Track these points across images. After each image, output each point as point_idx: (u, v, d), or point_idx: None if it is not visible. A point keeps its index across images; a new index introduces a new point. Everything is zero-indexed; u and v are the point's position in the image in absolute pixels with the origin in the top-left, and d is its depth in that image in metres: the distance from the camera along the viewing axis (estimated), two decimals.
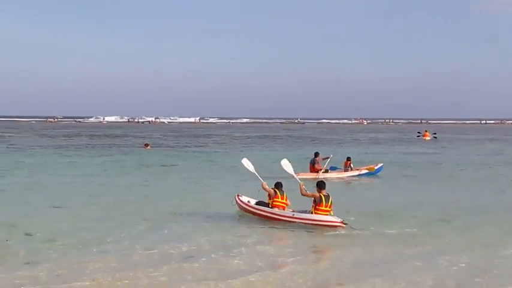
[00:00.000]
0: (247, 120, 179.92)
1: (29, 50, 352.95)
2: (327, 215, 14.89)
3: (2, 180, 24.69)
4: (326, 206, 14.91)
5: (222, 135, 79.95)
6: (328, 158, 27.96)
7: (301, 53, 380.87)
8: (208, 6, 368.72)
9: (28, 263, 11.21)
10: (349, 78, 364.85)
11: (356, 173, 27.82)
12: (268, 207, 15.96)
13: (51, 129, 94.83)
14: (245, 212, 16.52)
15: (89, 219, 15.79)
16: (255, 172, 17.58)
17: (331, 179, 26.14)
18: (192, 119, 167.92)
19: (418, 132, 74.19)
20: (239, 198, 16.77)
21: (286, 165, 18.10)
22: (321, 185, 15.28)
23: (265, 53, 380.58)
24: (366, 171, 28.06)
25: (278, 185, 16.19)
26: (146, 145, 48.76)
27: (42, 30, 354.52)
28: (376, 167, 28.49)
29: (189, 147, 51.56)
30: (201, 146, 53.60)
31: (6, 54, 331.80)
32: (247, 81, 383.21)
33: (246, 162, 18.03)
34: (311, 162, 27.53)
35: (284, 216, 15.46)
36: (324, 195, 15.00)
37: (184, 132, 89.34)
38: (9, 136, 64.94)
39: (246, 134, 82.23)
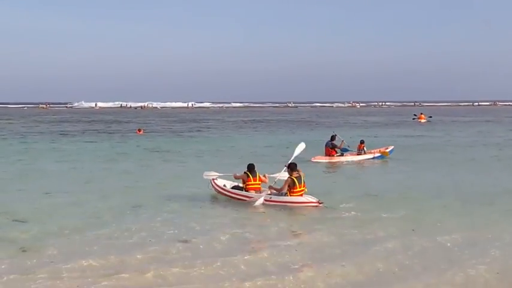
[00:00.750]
0: (240, 104, 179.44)
1: (19, 34, 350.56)
2: (301, 195, 15.11)
3: None
4: (300, 187, 15.11)
5: (215, 119, 79.72)
6: (342, 140, 28.04)
7: (291, 36, 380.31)
8: None
9: (25, 251, 11.14)
10: (340, 61, 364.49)
11: (370, 156, 27.86)
12: (244, 190, 16.09)
13: (43, 115, 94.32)
14: (222, 195, 16.61)
15: (83, 205, 15.69)
16: (220, 174, 17.27)
17: (346, 162, 26.65)
18: (184, 104, 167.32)
19: (414, 115, 74.32)
20: (215, 182, 16.83)
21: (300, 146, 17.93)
22: (292, 166, 15.42)
23: (255, 37, 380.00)
24: (379, 154, 28.11)
25: (250, 167, 16.24)
26: (139, 130, 48.63)
27: (32, 14, 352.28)
28: (388, 150, 28.58)
29: (181, 132, 51.33)
30: (193, 130, 53.43)
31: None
32: (239, 65, 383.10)
33: (207, 175, 17.38)
34: (327, 145, 27.55)
35: (252, 197, 15.69)
36: (295, 177, 15.15)
37: (177, 117, 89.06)
38: (4, 123, 64.39)
39: (240, 119, 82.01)
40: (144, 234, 12.41)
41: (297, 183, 15.13)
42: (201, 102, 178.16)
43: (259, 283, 9.33)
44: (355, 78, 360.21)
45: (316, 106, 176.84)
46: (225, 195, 16.52)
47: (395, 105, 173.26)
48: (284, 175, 16.13)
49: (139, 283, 9.37)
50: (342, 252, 11.06)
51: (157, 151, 32.03)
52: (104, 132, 49.46)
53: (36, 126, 59.65)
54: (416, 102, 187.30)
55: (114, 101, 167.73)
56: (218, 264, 10.23)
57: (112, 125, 63.49)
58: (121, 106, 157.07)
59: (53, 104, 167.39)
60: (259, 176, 16.21)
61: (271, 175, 16.73)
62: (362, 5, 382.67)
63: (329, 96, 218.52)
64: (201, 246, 11.49)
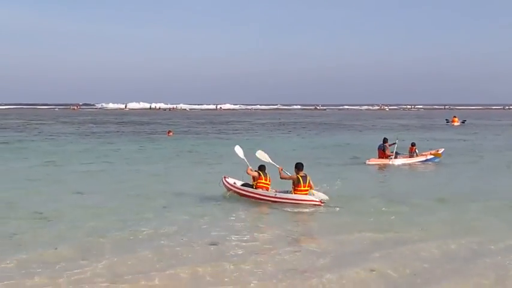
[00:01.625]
0: (267, 107, 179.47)
1: (50, 37, 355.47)
2: (306, 194, 15.90)
3: (26, 165, 24.81)
4: (304, 186, 15.91)
5: (245, 121, 79.83)
6: (394, 143, 27.89)
7: (318, 39, 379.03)
8: None
9: (56, 248, 11.25)
10: (366, 64, 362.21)
11: (423, 158, 27.95)
12: (253, 188, 16.84)
13: (75, 116, 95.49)
14: (232, 192, 17.30)
15: (114, 207, 15.86)
16: (244, 158, 18.04)
17: (400, 164, 26.87)
18: (213, 106, 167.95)
19: (446, 120, 74.30)
20: (226, 180, 17.68)
21: (259, 153, 18.32)
22: (299, 166, 16.22)
23: (283, 39, 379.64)
24: (432, 156, 28.14)
25: (261, 168, 17.09)
26: (169, 132, 48.89)
27: (62, 17, 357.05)
28: (440, 151, 28.65)
29: (211, 134, 51.51)
30: (222, 132, 53.56)
31: (26, 42, 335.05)
32: (266, 67, 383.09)
33: (237, 149, 18.60)
34: (380, 148, 27.74)
35: (268, 196, 16.40)
36: (301, 176, 15.98)
37: (206, 119, 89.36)
38: (37, 124, 65.30)
39: (269, 121, 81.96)
40: (174, 235, 12.54)
41: (302, 182, 15.92)
42: (229, 104, 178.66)
43: (286, 284, 9.34)
44: (383, 80, 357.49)
45: (345, 109, 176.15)
46: (235, 192, 17.23)
47: (424, 108, 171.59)
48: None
49: (174, 284, 9.42)
50: (374, 255, 10.98)
51: (188, 153, 32.19)
52: (134, 134, 49.87)
53: (68, 127, 60.37)
54: (446, 105, 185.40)
55: (143, 102, 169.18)
56: (248, 265, 10.29)
57: (141, 126, 63.99)
58: (150, 108, 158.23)
59: (83, 105, 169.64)
60: (269, 177, 16.94)
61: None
62: (388, 5, 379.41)
63: (357, 99, 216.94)
64: (229, 248, 11.54)
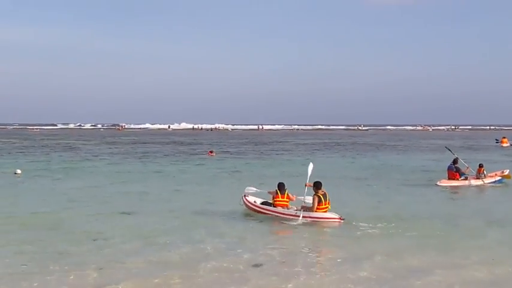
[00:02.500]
0: (309, 127, 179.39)
1: (95, 57, 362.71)
2: (325, 211, 16.51)
3: (72, 186, 25.41)
4: (325, 204, 16.57)
5: (287, 141, 79.91)
6: (467, 167, 27.93)
7: (359, 57, 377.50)
8: (265, 11, 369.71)
9: (101, 268, 11.45)
10: (408, 80, 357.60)
11: (492, 179, 27.66)
12: (272, 206, 17.48)
13: (119, 136, 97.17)
14: (252, 211, 17.89)
15: (157, 225, 16.12)
16: (257, 190, 18.85)
17: (470, 185, 26.62)
18: (255, 126, 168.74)
19: (496, 140, 73.40)
20: (246, 199, 18.30)
21: (310, 166, 18.60)
22: (317, 185, 16.79)
23: (323, 57, 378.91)
24: (500, 177, 27.87)
25: (280, 186, 17.72)
26: (211, 152, 49.30)
27: (105, 37, 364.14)
28: (506, 173, 28.32)
29: (252, 154, 51.75)
30: (263, 153, 53.72)
31: (70, 61, 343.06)
32: (306, 86, 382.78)
33: (248, 189, 18.99)
34: (450, 169, 27.53)
35: (288, 214, 17.00)
36: (321, 195, 16.61)
37: (247, 138, 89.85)
38: (82, 145, 66.71)
39: (311, 141, 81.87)
40: (215, 253, 12.75)
41: (323, 200, 16.58)
42: (271, 125, 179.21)
43: None
44: (424, 99, 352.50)
45: (387, 129, 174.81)
46: (255, 210, 17.86)
47: (469, 129, 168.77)
48: (308, 198, 17.25)
49: None
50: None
51: (229, 173, 32.40)
52: (177, 154, 50.44)
53: (113, 147, 61.42)
54: (491, 125, 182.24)
55: (184, 123, 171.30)
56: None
57: (184, 146, 64.67)
58: (193, 128, 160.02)
59: (126, 124, 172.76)
60: (287, 194, 17.55)
61: (299, 197, 17.69)
62: (425, 24, 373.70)
63: (397, 119, 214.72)
64: (271, 268, 11.59)
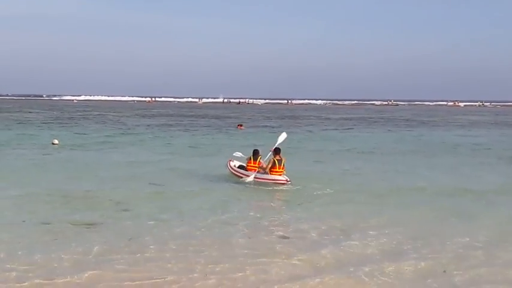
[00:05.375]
0: (340, 102, 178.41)
1: (123, 30, 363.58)
2: (280, 175, 18.37)
3: (100, 156, 26.07)
4: (279, 168, 18.48)
5: (315, 116, 79.77)
6: None
7: (387, 32, 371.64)
8: None
9: (130, 239, 11.62)
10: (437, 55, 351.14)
11: None
12: (245, 170, 19.57)
13: (150, 109, 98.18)
14: (231, 173, 20.05)
15: (179, 198, 16.38)
16: (242, 156, 20.62)
17: None
18: (284, 101, 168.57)
19: None
20: (229, 163, 20.52)
21: (282, 136, 21.03)
22: (276, 151, 18.87)
23: (353, 32, 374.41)
24: None
25: (254, 153, 19.71)
26: (239, 126, 49.63)
27: (136, 10, 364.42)
28: None
29: (279, 127, 51.94)
30: (292, 126, 53.92)
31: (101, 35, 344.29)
32: (334, 60, 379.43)
33: (236, 154, 21.08)
34: None
35: (245, 174, 19.32)
36: (277, 160, 18.56)
37: (276, 113, 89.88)
38: (119, 116, 67.88)
39: (340, 116, 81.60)
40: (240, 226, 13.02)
41: (277, 165, 18.47)
42: (300, 99, 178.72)
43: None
44: (456, 73, 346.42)
45: (417, 104, 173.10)
46: (232, 173, 20.00)
47: (499, 105, 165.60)
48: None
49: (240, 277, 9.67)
50: None
51: (257, 147, 32.58)
52: (207, 127, 50.89)
53: (145, 120, 62.21)
54: None
55: (217, 96, 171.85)
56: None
57: (214, 120, 65.10)
58: (223, 101, 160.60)
59: (158, 97, 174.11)
60: (259, 161, 19.38)
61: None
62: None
63: (427, 94, 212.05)
64: (296, 240, 11.71)
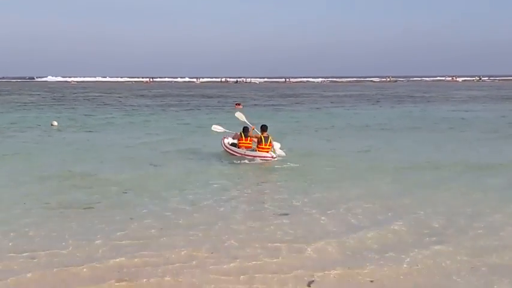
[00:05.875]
0: (339, 79, 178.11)
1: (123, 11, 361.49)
2: (267, 151, 18.89)
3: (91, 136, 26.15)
4: (265, 145, 18.98)
5: (314, 94, 79.76)
6: None
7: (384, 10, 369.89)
8: None
9: (132, 218, 11.66)
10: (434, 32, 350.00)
11: None
12: (236, 147, 20.03)
13: (150, 89, 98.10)
14: (225, 151, 20.52)
15: (180, 177, 16.42)
16: (226, 130, 22.00)
17: None
18: (282, 79, 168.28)
19: None
20: (223, 141, 20.92)
21: (238, 114, 22.01)
22: (263, 127, 19.41)
23: (349, 10, 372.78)
24: None
25: (244, 130, 20.20)
26: (237, 104, 49.60)
27: None
28: None
29: (278, 105, 52.03)
30: (290, 104, 53.91)
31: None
32: (331, 38, 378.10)
33: (215, 127, 22.70)
34: None
35: (238, 153, 19.73)
36: (264, 137, 19.08)
37: (274, 91, 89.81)
38: (119, 97, 68.10)
39: (337, 93, 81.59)
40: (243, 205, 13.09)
41: (263, 142, 19.00)
42: (298, 77, 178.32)
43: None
44: (453, 49, 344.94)
45: (415, 80, 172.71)
46: (225, 150, 20.40)
47: (498, 79, 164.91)
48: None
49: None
50: None
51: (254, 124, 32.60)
52: (205, 106, 50.89)
53: (144, 100, 62.15)
54: None
55: (212, 76, 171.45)
56: None
57: (211, 99, 65.09)
58: (220, 81, 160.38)
59: (155, 77, 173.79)
60: (250, 138, 19.89)
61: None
62: None
63: (424, 70, 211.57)
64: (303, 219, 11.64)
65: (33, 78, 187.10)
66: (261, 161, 18.76)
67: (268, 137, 19.19)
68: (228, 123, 33.23)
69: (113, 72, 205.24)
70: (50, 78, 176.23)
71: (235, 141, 20.50)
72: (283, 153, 19.34)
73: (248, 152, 19.47)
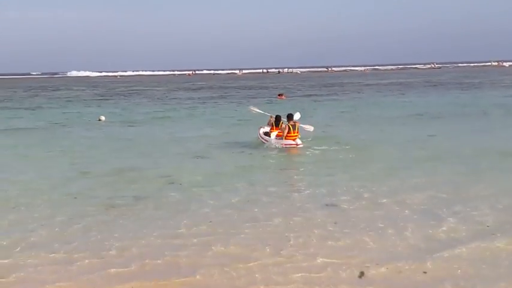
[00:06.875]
0: (382, 67, 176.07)
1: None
2: (294, 139, 19.59)
3: (133, 131, 26.47)
4: (294, 133, 19.68)
5: (358, 82, 79.04)
6: None
7: None
8: None
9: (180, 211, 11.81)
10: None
11: None
12: (269, 136, 20.50)
13: (193, 82, 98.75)
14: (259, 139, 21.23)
15: (222, 167, 16.54)
16: (261, 112, 23.57)
17: None
18: (324, 69, 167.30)
19: None
20: (259, 130, 21.63)
21: (253, 108, 24.69)
22: (290, 116, 20.11)
23: None
24: None
25: (277, 118, 20.85)
26: (280, 95, 49.49)
27: None
28: None
29: (320, 95, 51.76)
30: (333, 93, 53.53)
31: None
32: (380, 27, 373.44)
33: (252, 108, 24.76)
34: None
35: (267, 140, 20.50)
36: (291, 125, 19.75)
37: (316, 81, 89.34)
38: (164, 90, 68.80)
39: (379, 81, 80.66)
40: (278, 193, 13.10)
41: (291, 130, 19.64)
42: (340, 66, 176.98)
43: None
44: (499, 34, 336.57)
45: (460, 66, 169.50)
46: (260, 139, 21.08)
47: None
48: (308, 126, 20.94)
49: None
50: None
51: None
52: (249, 98, 50.98)
53: (187, 93, 62.58)
54: None
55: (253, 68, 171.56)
56: None
57: (254, 90, 65.11)
58: (262, 72, 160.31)
59: (198, 70, 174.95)
60: (280, 126, 20.44)
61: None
62: None
63: (468, 55, 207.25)
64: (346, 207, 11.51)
65: (57, 74, 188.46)
66: (288, 147, 19.47)
67: (295, 124, 19.90)
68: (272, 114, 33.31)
69: (153, 66, 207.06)
70: (73, 73, 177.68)
71: (268, 129, 21.14)
72: (311, 129, 20.81)
73: (280, 141, 19.99)
